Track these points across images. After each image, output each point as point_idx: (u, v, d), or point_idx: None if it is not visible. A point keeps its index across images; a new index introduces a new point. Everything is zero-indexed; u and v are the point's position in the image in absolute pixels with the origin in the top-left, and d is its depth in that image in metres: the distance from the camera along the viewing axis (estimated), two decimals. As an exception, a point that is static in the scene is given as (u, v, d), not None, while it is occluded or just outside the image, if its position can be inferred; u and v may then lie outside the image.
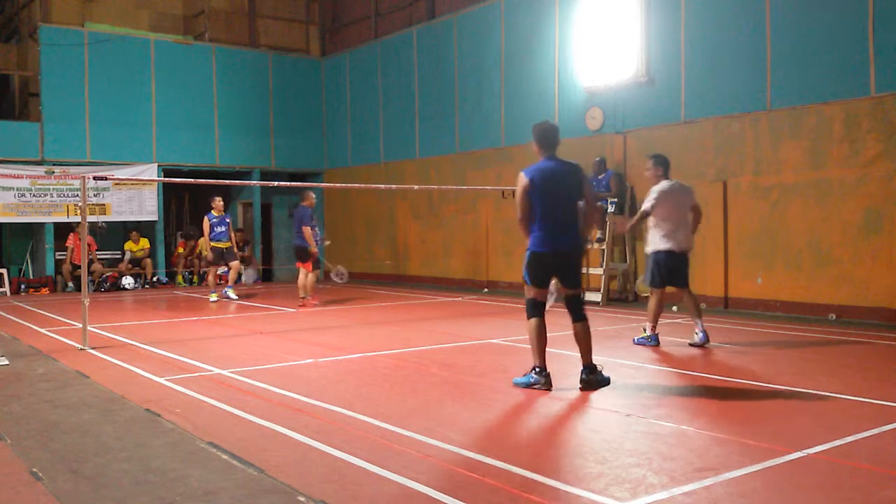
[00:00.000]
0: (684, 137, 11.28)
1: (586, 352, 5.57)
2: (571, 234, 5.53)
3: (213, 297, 12.99)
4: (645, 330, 7.63)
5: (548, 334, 5.63)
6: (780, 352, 7.28)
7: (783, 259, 9.97)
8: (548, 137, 5.63)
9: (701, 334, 7.38)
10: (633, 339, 7.73)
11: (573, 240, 5.54)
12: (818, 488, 3.55)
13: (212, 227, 13.04)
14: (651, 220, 7.45)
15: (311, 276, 11.84)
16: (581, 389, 5.53)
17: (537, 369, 5.56)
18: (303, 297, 11.87)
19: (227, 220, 13.25)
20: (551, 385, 5.54)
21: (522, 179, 5.52)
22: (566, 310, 5.68)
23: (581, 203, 5.63)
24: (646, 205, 7.45)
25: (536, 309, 5.59)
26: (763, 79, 10.30)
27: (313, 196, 12.04)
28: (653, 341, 7.54)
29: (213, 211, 13.17)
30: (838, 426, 4.61)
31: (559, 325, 9.44)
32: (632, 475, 3.71)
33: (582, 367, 5.62)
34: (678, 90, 11.35)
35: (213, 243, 13.06)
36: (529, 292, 5.63)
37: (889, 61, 9.12)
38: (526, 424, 4.68)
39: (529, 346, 5.64)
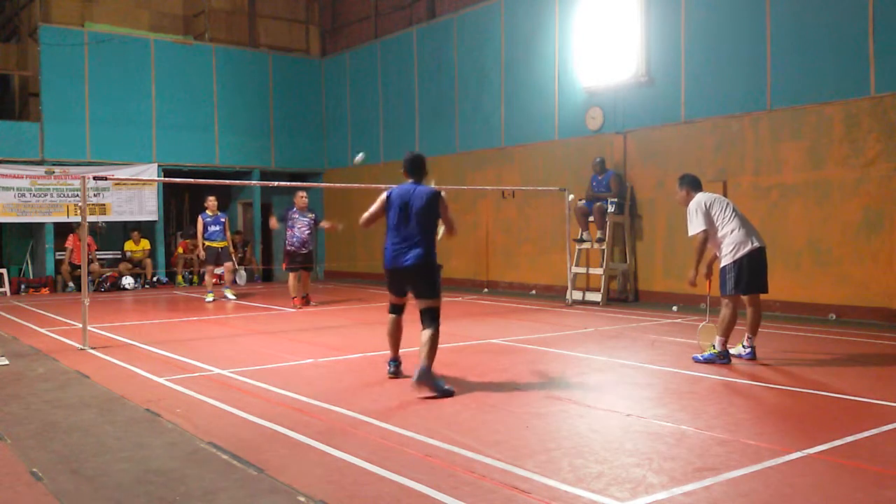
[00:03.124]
0: (684, 137, 11.28)
1: (423, 355, 5.58)
2: (414, 251, 5.80)
3: (210, 298, 13.03)
4: (714, 346, 6.65)
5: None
6: (779, 352, 7.27)
7: (783, 259, 9.96)
8: (412, 165, 6.07)
9: (749, 350, 6.77)
10: (694, 357, 6.75)
11: (415, 257, 5.78)
12: (818, 488, 3.55)
13: (205, 226, 13.12)
14: (711, 234, 6.69)
15: (290, 277, 11.97)
16: (413, 383, 5.52)
17: (389, 360, 6.16)
18: (293, 297, 11.92)
19: (223, 220, 13.26)
20: (400, 374, 6.09)
21: (382, 195, 6.08)
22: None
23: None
24: (695, 227, 6.67)
25: (392, 309, 6.15)
26: (763, 79, 10.30)
27: (300, 196, 11.87)
28: (724, 359, 6.57)
29: (206, 210, 13.24)
30: (838, 426, 4.62)
31: (560, 324, 9.45)
32: (632, 475, 3.71)
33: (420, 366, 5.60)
34: (678, 90, 11.36)
35: (207, 242, 13.13)
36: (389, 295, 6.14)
37: (889, 61, 9.12)
38: (526, 425, 4.68)
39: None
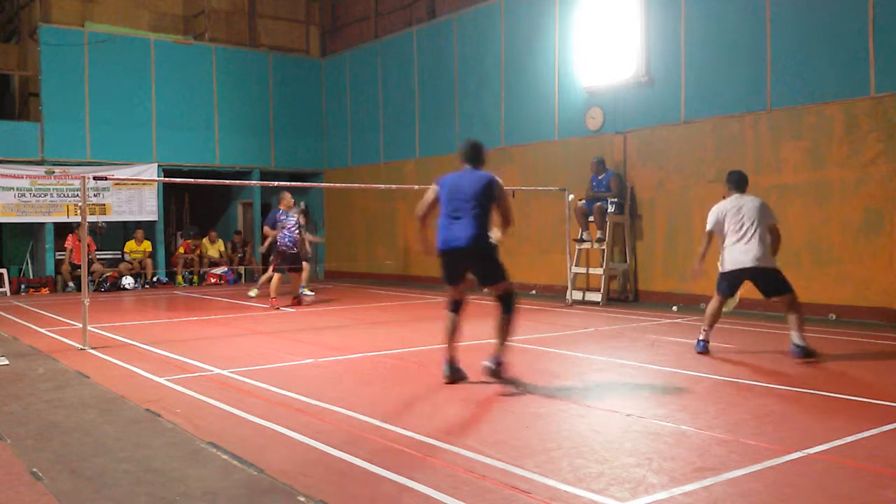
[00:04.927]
0: (684, 137, 11.28)
1: (497, 343, 5.92)
2: (468, 232, 5.69)
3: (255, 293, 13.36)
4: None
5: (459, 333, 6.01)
6: (779, 352, 7.27)
7: (783, 259, 9.86)
8: (471, 150, 6.03)
9: (798, 347, 6.78)
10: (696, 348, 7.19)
11: (470, 237, 5.69)
12: (818, 488, 3.55)
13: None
14: (717, 239, 7.16)
15: (274, 277, 11.86)
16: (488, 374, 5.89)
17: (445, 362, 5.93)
18: (273, 297, 11.74)
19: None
20: (454, 379, 5.89)
21: (433, 185, 6.00)
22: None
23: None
24: (707, 225, 7.23)
25: (450, 305, 6.06)
26: (763, 79, 10.30)
27: (286, 197, 11.74)
28: (699, 346, 7.11)
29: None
30: (838, 426, 4.61)
31: (560, 324, 9.44)
32: (632, 475, 3.71)
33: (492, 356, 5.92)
34: (678, 90, 11.35)
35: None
36: (446, 290, 6.06)
37: (889, 61, 9.12)
38: (526, 425, 4.68)
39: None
